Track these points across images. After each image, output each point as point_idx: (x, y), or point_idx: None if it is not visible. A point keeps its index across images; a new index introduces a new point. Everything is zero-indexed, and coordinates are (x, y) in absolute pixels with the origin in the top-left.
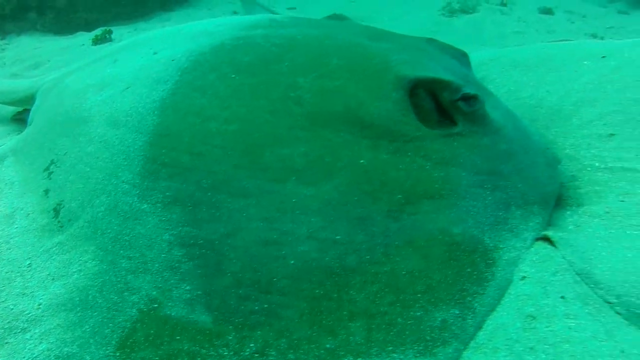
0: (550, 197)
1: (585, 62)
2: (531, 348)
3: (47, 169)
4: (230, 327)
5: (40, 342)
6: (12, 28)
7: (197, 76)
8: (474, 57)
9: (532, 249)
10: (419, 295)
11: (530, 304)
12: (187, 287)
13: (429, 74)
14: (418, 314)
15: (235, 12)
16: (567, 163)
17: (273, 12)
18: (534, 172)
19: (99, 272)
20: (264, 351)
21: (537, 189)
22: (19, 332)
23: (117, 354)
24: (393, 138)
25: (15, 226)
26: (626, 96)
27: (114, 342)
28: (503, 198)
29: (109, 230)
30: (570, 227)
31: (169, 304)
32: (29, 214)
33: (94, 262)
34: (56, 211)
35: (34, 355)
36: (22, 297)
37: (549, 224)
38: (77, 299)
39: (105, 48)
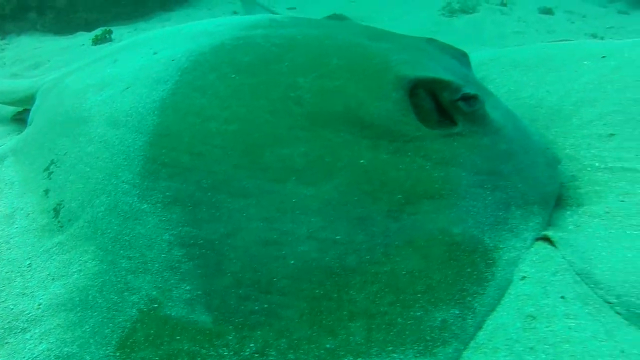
0: (550, 197)
1: (585, 62)
2: (531, 348)
3: (47, 169)
4: (230, 327)
5: (40, 342)
6: (12, 28)
7: (197, 76)
8: (474, 57)
9: (532, 249)
10: (419, 295)
11: (530, 304)
12: (187, 287)
13: (429, 74)
14: (418, 314)
15: (235, 12)
16: (567, 163)
17: (273, 12)
18: (534, 172)
19: (99, 272)
20: (264, 351)
21: (537, 189)
22: (19, 332)
23: (117, 354)
24: (393, 138)
25: (15, 226)
26: (626, 96)
27: (114, 342)
28: (503, 198)
29: (109, 230)
30: (570, 227)
31: (169, 304)
32: (29, 214)
33: (94, 262)
34: (56, 211)
35: (34, 355)
36: (22, 297)
37: (549, 224)
38: (77, 299)
39: (105, 48)
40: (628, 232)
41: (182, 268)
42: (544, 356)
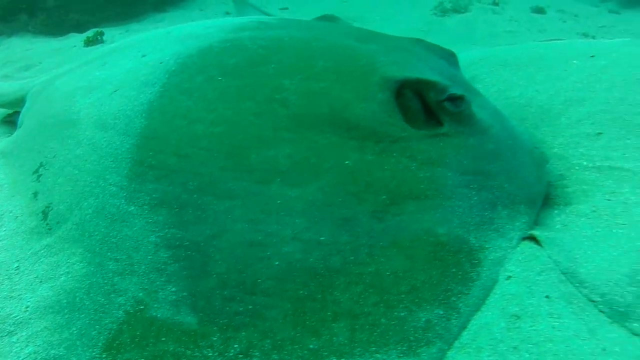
0: (537, 196)
1: (574, 62)
2: (515, 347)
3: (36, 171)
4: (215, 328)
5: (27, 345)
6: (2, 29)
7: (184, 79)
8: (465, 56)
9: (518, 248)
10: (403, 295)
11: (515, 303)
12: (173, 289)
13: (415, 75)
14: (402, 314)
15: (227, 13)
16: (556, 162)
17: (265, 13)
18: (521, 172)
19: (86, 274)
20: (248, 352)
21: (524, 189)
22: (6, 335)
23: (104, 356)
24: (379, 139)
25: (4, 229)
26: (614, 95)
27: (100, 344)
28: (489, 198)
29: (96, 233)
30: (557, 227)
31: (155, 305)
32: (17, 216)
33: (81, 264)
34: (45, 214)
35: (21, 358)
36: (10, 300)
37: (536, 223)
38: (65, 301)
39: (95, 50)
40: (614, 230)
41: (168, 270)
42: (527, 355)
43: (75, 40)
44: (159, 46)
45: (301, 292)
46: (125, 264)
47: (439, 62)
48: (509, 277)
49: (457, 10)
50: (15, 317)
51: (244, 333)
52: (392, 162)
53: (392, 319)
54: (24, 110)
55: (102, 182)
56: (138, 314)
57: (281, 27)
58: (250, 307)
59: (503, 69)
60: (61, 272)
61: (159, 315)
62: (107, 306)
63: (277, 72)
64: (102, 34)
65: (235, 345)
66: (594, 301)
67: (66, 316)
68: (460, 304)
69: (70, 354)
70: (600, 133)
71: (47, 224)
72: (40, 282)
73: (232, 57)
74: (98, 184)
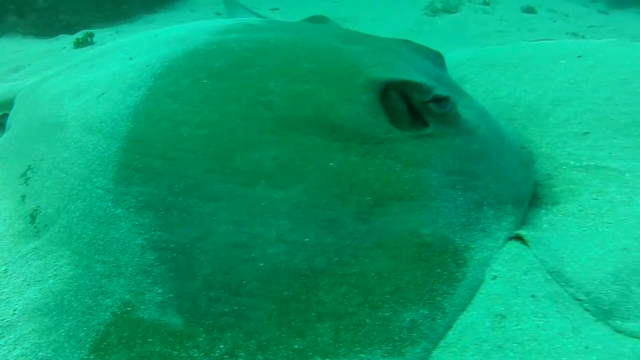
0: (524, 196)
1: (562, 62)
2: (499, 347)
3: (24, 174)
4: (201, 329)
5: (15, 348)
6: None
7: (170, 82)
8: (453, 56)
9: (505, 248)
10: (387, 296)
11: (501, 303)
12: (159, 290)
13: (400, 76)
14: (386, 314)
15: (218, 14)
16: (543, 161)
17: (256, 14)
18: (507, 172)
19: (74, 277)
20: (234, 352)
21: (511, 189)
22: None
23: (92, 357)
24: (363, 140)
25: None
26: (600, 95)
27: (88, 346)
28: (475, 198)
29: (84, 235)
30: (544, 226)
31: (142, 307)
32: (5, 219)
33: (69, 266)
34: (32, 217)
35: None
36: None
37: (523, 222)
38: (53, 303)
39: (84, 53)
40: (600, 229)
41: (154, 271)
42: (511, 354)
43: (65, 41)
44: (145, 49)
45: (286, 293)
46: (113, 266)
47: (425, 63)
48: (495, 276)
49: (447, 10)
50: (3, 320)
51: (229, 334)
52: (376, 164)
53: (376, 319)
54: (12, 113)
55: (89, 185)
56: (125, 315)
57: (267, 29)
58: (235, 308)
59: (491, 69)
60: (49, 275)
61: (145, 317)
62: (95, 308)
63: (262, 74)
64: (92, 35)
65: (221, 346)
66: (579, 300)
67: (54, 318)
68: (446, 304)
69: (58, 356)
70: (587, 132)
71: (35, 227)
72: (29, 284)
73: (218, 59)
74: (85, 187)
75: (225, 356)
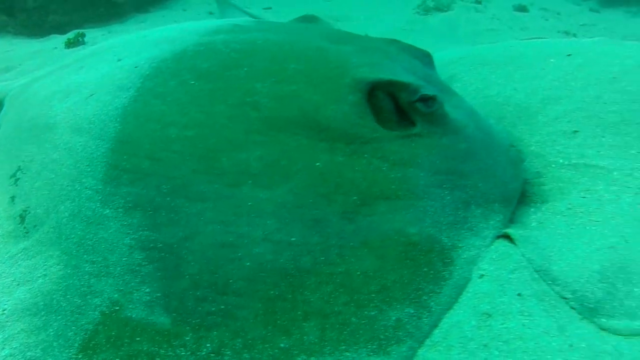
0: (512, 195)
1: (552, 60)
2: (485, 345)
3: (13, 175)
4: (188, 327)
5: (3, 348)
6: None
7: (158, 83)
8: (444, 55)
9: (492, 246)
10: (373, 295)
11: (487, 301)
12: (147, 290)
13: (387, 76)
14: (372, 313)
15: (211, 13)
16: (533, 160)
17: (248, 13)
18: (496, 171)
19: (63, 277)
20: (220, 351)
21: (499, 188)
22: None
23: (80, 356)
24: (350, 140)
25: None
26: (589, 94)
27: (77, 345)
28: (462, 197)
29: (73, 236)
30: (533, 224)
31: (130, 306)
32: None
33: (58, 266)
34: (22, 217)
35: None
36: None
37: (511, 221)
38: (42, 303)
39: (74, 54)
40: (588, 227)
41: (142, 271)
42: (497, 353)
43: (57, 41)
44: (134, 50)
45: (272, 292)
46: (101, 266)
47: (413, 63)
48: (482, 275)
49: (439, 8)
50: None
51: (215, 332)
52: (363, 163)
53: (362, 318)
54: (2, 114)
55: (78, 185)
56: (113, 314)
57: (256, 30)
58: (222, 307)
59: (482, 67)
60: (38, 275)
61: (133, 316)
62: (84, 307)
63: (250, 75)
64: (83, 35)
65: (208, 345)
66: (565, 298)
67: (43, 318)
68: (432, 303)
69: (47, 356)
70: (576, 131)
71: (25, 228)
72: (18, 284)
73: (206, 60)
74: (74, 188)
75: (212, 355)
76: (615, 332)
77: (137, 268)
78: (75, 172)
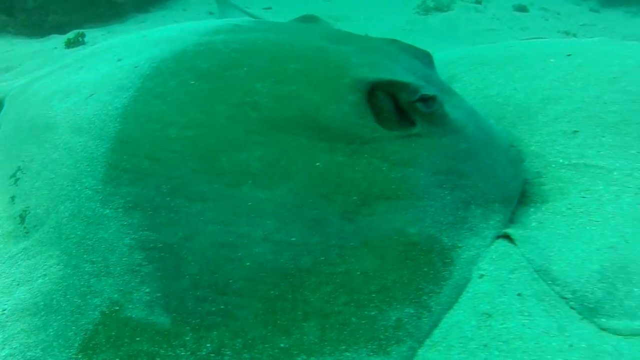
0: (512, 195)
1: (551, 60)
2: (485, 345)
3: (13, 175)
4: (188, 327)
5: (3, 348)
6: None
7: (158, 83)
8: (444, 55)
9: (492, 246)
10: (373, 295)
11: (487, 301)
12: (147, 290)
13: (387, 76)
14: (372, 313)
15: (211, 13)
16: (533, 160)
17: (248, 13)
18: (496, 171)
19: (63, 277)
20: (220, 351)
21: (499, 188)
22: None
23: (80, 356)
24: (350, 140)
25: None
26: (589, 94)
27: (77, 345)
28: (462, 197)
29: (73, 236)
30: (533, 224)
31: (130, 306)
32: None
33: (58, 266)
34: (22, 217)
35: None
36: None
37: (511, 221)
38: (42, 303)
39: (74, 54)
40: (588, 227)
41: (142, 271)
42: (497, 353)
43: (57, 41)
44: (134, 50)
45: (272, 292)
46: (101, 266)
47: (413, 63)
48: (482, 275)
49: (439, 8)
50: None
51: (215, 332)
52: (363, 163)
53: (362, 318)
54: (2, 114)
55: (78, 185)
56: (113, 314)
57: (256, 29)
58: (222, 307)
59: (482, 67)
60: (38, 275)
61: (133, 316)
62: (84, 307)
63: (249, 75)
64: (83, 35)
65: (208, 345)
66: (565, 298)
67: (43, 318)
68: (432, 303)
69: (47, 355)
70: (576, 131)
71: (25, 228)
72: (18, 284)
73: (206, 61)
74: (74, 188)
75: (212, 355)
76: (615, 332)
77: (137, 268)
78: (75, 172)
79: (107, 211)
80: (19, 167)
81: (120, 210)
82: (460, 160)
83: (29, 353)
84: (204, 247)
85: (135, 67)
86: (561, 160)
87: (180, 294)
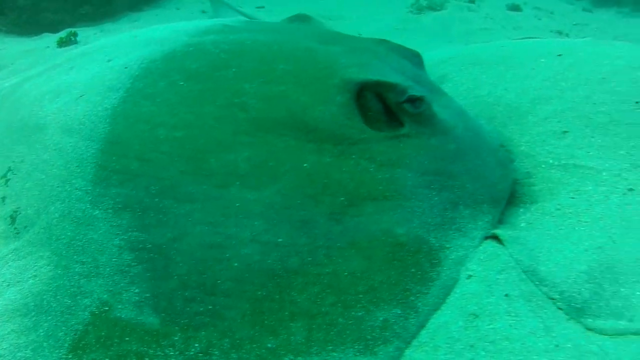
0: (501, 195)
1: (542, 60)
2: (471, 346)
3: (4, 176)
4: (176, 328)
5: None
6: None
7: (147, 84)
8: (436, 54)
9: (481, 247)
10: (360, 295)
11: (474, 302)
12: (136, 290)
13: (375, 77)
14: (359, 314)
15: (204, 12)
16: (523, 160)
17: (241, 12)
18: (484, 172)
19: (53, 277)
20: (208, 351)
21: (488, 188)
22: None
23: (70, 356)
24: (337, 141)
25: None
26: (579, 94)
27: (67, 345)
28: (451, 198)
29: (63, 236)
30: (522, 225)
31: (119, 306)
32: None
33: (48, 267)
34: (13, 218)
35: None
36: None
37: (500, 222)
38: (32, 304)
39: (66, 53)
40: (576, 228)
41: (131, 272)
42: (483, 353)
43: (49, 40)
44: (124, 50)
45: (259, 292)
46: (91, 267)
47: (402, 63)
48: (470, 276)
49: (433, 7)
50: None
51: (204, 332)
52: (350, 164)
53: (349, 319)
54: None
55: (68, 186)
56: (103, 314)
57: (245, 30)
58: (210, 307)
59: (473, 67)
60: (29, 275)
61: (123, 316)
62: (74, 308)
63: (238, 76)
64: (75, 34)
65: (196, 345)
66: (552, 299)
67: (33, 318)
68: (419, 304)
69: (37, 356)
70: (566, 131)
71: (15, 228)
72: (8, 285)
73: (195, 61)
74: (64, 189)
75: (200, 355)
76: (601, 332)
77: (126, 269)
78: (65, 173)
79: (97, 212)
80: (10, 167)
81: (109, 211)
82: (449, 161)
83: (19, 354)
84: (193, 248)
85: (125, 67)
86: (551, 161)
87: (169, 294)
